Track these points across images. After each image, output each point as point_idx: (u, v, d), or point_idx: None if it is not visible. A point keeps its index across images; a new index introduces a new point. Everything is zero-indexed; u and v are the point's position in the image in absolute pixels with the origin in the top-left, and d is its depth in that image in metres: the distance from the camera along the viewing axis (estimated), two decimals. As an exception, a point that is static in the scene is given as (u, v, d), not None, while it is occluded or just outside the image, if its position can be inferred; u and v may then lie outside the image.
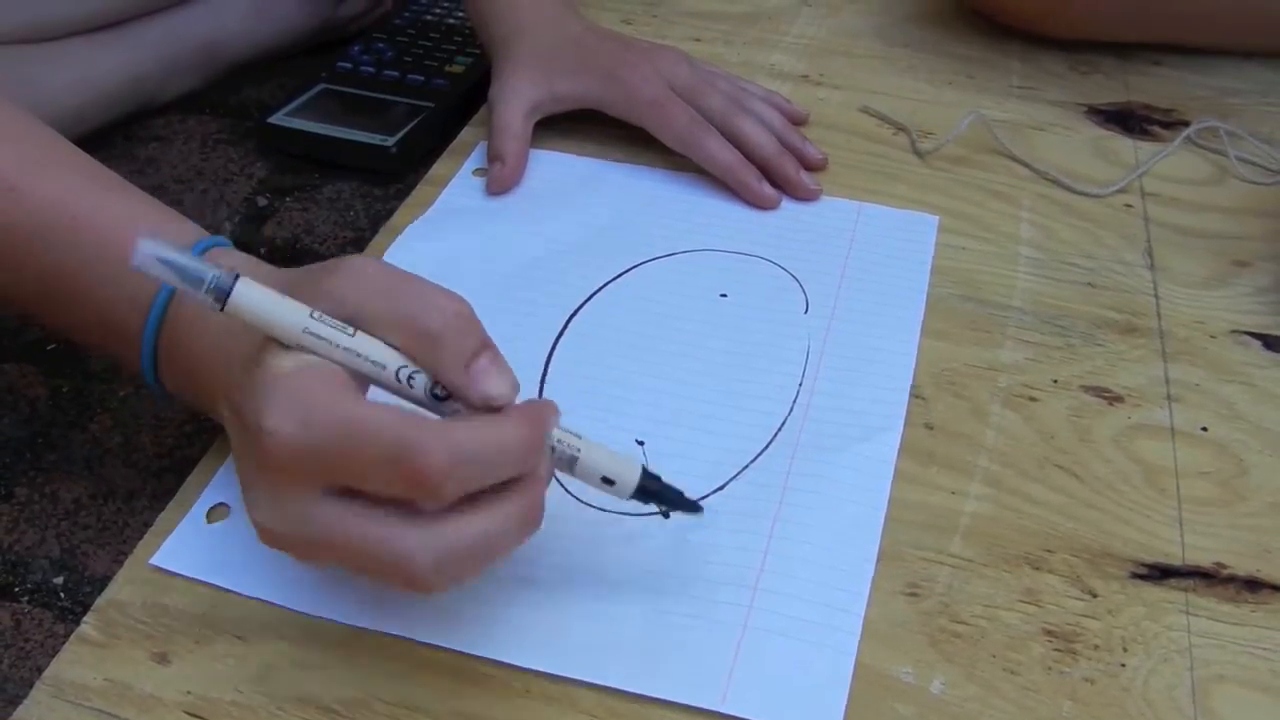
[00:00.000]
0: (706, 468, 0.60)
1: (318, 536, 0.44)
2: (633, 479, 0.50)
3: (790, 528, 0.57)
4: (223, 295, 0.44)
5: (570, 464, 0.48)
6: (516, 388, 0.46)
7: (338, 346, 0.45)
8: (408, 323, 0.45)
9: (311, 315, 0.45)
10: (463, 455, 0.42)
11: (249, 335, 0.46)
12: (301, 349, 0.44)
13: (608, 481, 0.49)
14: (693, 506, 0.52)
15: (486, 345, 0.46)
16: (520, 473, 0.45)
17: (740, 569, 0.55)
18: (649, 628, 0.52)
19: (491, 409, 0.46)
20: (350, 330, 0.45)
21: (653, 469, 0.51)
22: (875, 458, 0.61)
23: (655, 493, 0.51)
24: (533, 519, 0.46)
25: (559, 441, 0.48)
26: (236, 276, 0.44)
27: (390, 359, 0.45)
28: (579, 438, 0.49)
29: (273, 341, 0.45)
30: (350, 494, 0.43)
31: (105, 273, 0.53)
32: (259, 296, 0.44)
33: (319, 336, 0.44)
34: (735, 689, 0.50)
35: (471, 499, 0.44)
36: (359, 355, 0.45)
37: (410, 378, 0.46)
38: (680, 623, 0.53)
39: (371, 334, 0.45)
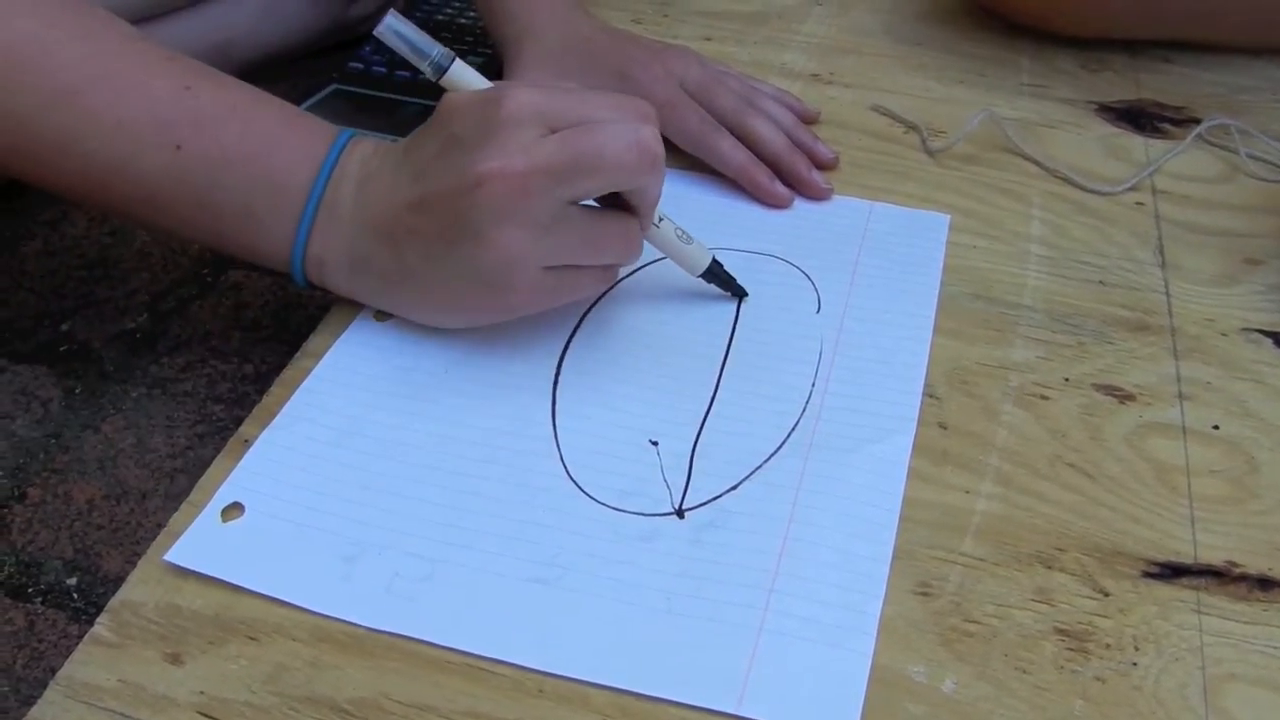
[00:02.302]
0: (720, 467, 0.60)
1: (547, 156, 0.57)
2: (706, 258, 0.68)
3: (805, 529, 0.57)
4: (440, 70, 0.59)
5: (666, 226, 0.67)
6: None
7: None
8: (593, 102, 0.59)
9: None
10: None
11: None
12: None
13: (685, 240, 0.67)
14: (742, 291, 0.70)
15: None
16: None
17: (755, 570, 0.55)
18: (663, 629, 0.52)
19: None
20: None
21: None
22: (889, 458, 0.61)
23: (718, 275, 0.69)
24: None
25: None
26: (455, 57, 0.60)
27: None
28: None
29: None
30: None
31: (275, 155, 0.63)
32: (470, 77, 0.60)
33: None
34: (751, 691, 0.50)
35: None
36: None
37: None
38: (695, 624, 0.53)
39: None
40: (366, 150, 0.64)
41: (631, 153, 0.57)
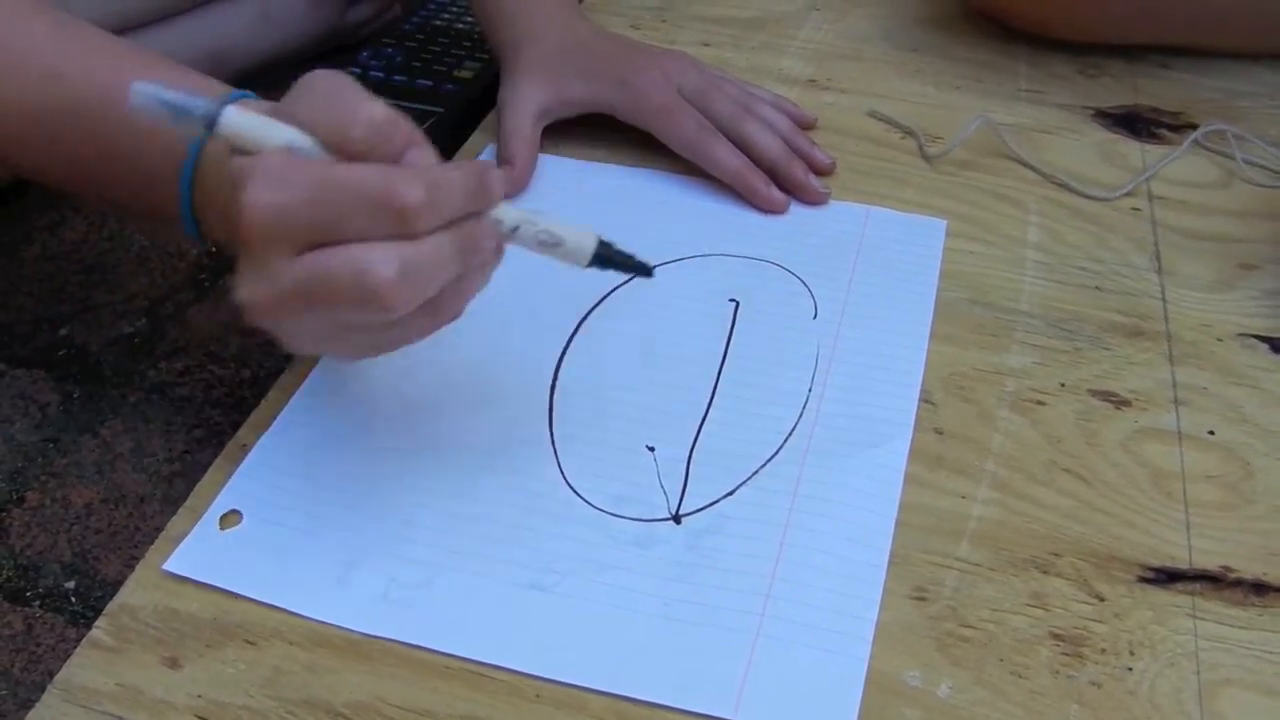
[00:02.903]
0: (716, 473, 0.60)
1: (292, 283, 0.48)
2: (590, 244, 0.55)
3: (802, 534, 0.57)
4: (211, 121, 0.49)
5: (525, 232, 0.53)
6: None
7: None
8: (340, 133, 0.49)
9: (299, 136, 0.49)
10: (434, 187, 0.47)
11: None
12: None
13: (553, 244, 0.54)
14: (645, 268, 0.57)
15: (412, 142, 0.50)
16: (470, 210, 0.50)
17: (752, 575, 0.55)
18: (660, 635, 0.53)
19: None
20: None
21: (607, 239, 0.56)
22: (885, 464, 0.61)
23: (609, 257, 0.55)
24: (473, 243, 0.50)
25: (509, 216, 0.53)
26: (225, 102, 0.49)
27: None
28: (536, 213, 0.54)
29: None
30: (328, 246, 0.48)
31: (143, 140, 0.57)
32: (249, 120, 0.49)
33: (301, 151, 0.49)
34: (748, 696, 0.50)
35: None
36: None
37: None
38: (692, 630, 0.53)
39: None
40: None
41: (388, 294, 0.47)
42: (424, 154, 0.51)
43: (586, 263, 0.55)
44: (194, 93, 0.49)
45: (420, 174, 0.48)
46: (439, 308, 0.51)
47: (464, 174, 0.50)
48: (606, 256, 0.55)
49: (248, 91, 0.57)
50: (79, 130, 0.58)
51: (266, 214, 0.47)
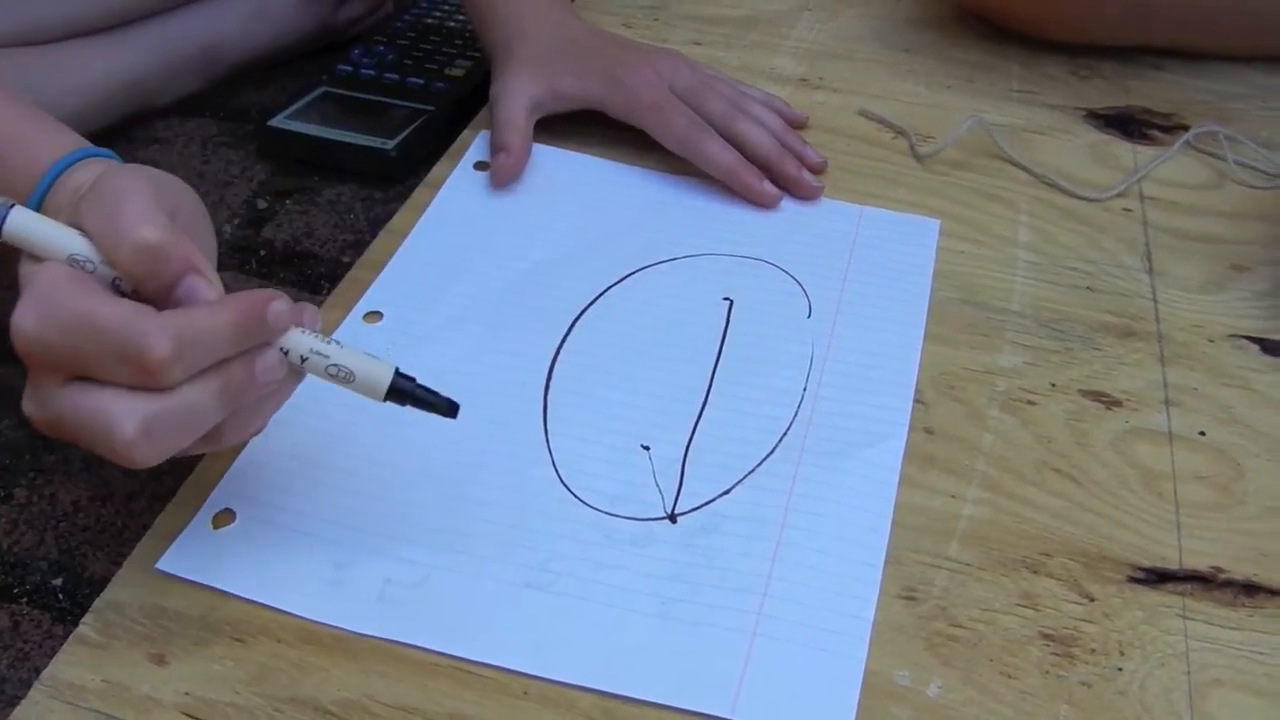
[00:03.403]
0: (712, 472, 0.60)
1: (53, 419, 0.47)
2: (385, 377, 0.50)
3: (797, 533, 0.57)
4: None
5: (314, 364, 0.50)
6: (213, 293, 0.48)
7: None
8: (112, 251, 0.48)
9: (84, 246, 0.48)
10: (185, 341, 0.45)
11: None
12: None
13: (344, 379, 0.50)
14: (449, 408, 0.52)
15: (188, 270, 0.48)
16: (240, 349, 0.48)
17: (748, 575, 0.55)
18: (657, 634, 0.53)
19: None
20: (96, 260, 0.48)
21: (406, 371, 0.51)
22: (880, 463, 0.61)
23: (408, 393, 0.51)
24: (233, 395, 0.48)
25: (298, 344, 0.50)
26: (12, 205, 0.48)
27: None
28: (331, 343, 0.50)
29: None
30: (90, 382, 0.46)
31: None
32: (34, 224, 0.48)
33: (80, 263, 0.48)
34: (745, 695, 0.50)
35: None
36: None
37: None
38: (688, 629, 0.53)
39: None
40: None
41: (128, 450, 0.46)
42: (199, 284, 0.48)
43: (382, 397, 0.51)
44: None
45: (174, 324, 0.45)
46: (218, 439, 0.50)
47: (232, 315, 0.47)
48: (404, 391, 0.51)
49: (106, 150, 0.56)
50: None
51: (28, 341, 0.46)
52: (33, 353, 0.46)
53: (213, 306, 0.47)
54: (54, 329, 0.45)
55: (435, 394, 0.52)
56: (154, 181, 0.50)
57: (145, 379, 0.46)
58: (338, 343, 0.50)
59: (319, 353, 0.50)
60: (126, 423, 0.46)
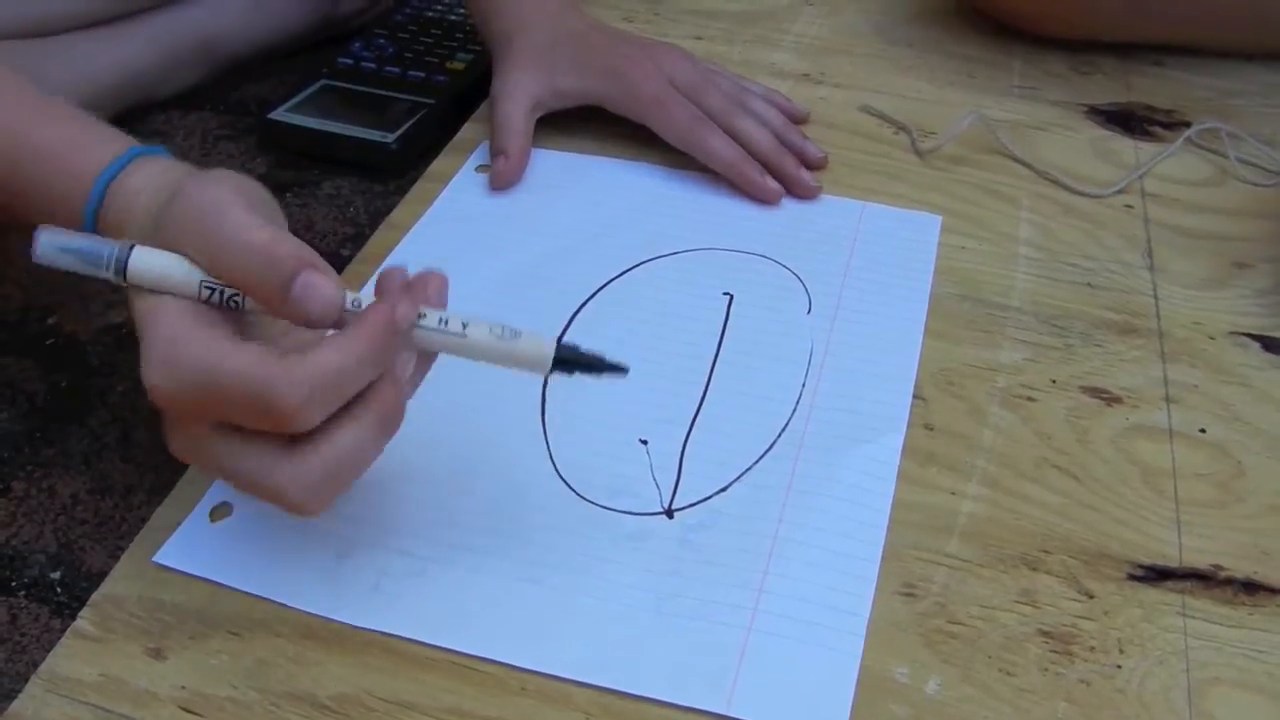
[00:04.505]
0: (709, 467, 0.60)
1: (210, 467, 0.49)
2: (548, 352, 0.50)
3: (794, 529, 0.57)
4: (121, 266, 0.47)
5: (459, 346, 0.50)
6: (337, 298, 0.48)
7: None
8: (228, 274, 0.47)
9: (204, 283, 0.47)
10: (316, 384, 0.45)
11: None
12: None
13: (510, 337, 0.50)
14: (618, 368, 0.52)
15: (302, 266, 0.47)
16: (375, 376, 0.48)
17: (745, 570, 0.55)
18: (652, 629, 0.52)
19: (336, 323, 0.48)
20: (236, 298, 0.48)
21: (567, 341, 0.51)
22: (879, 459, 0.60)
23: (574, 361, 0.51)
24: (391, 422, 0.49)
25: (444, 323, 0.50)
26: (133, 246, 0.47)
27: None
28: (468, 322, 0.50)
29: None
30: (233, 428, 0.47)
31: (46, 194, 0.54)
32: (157, 262, 0.47)
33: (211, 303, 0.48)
34: (740, 691, 0.50)
35: (334, 415, 0.47)
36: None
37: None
38: (684, 624, 0.53)
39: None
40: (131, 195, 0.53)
41: (303, 511, 0.48)
42: (315, 279, 0.47)
43: (545, 370, 0.51)
44: (99, 240, 0.48)
45: (303, 372, 0.45)
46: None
47: (363, 345, 0.47)
48: (570, 359, 0.51)
49: (156, 147, 0.55)
50: None
51: (161, 397, 0.47)
52: (169, 407, 0.48)
53: (339, 340, 0.47)
54: (184, 386, 0.46)
55: (600, 358, 0.52)
56: (237, 185, 0.50)
57: (282, 428, 0.46)
58: (461, 321, 0.50)
59: (454, 335, 0.50)
60: (289, 491, 0.47)
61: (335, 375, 0.46)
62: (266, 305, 0.48)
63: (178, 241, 0.48)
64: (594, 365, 0.51)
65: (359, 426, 0.48)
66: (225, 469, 0.48)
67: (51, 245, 0.47)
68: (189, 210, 0.48)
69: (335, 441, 0.47)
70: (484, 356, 0.50)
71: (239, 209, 0.48)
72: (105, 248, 0.47)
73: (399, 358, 0.50)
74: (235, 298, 0.48)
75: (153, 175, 0.53)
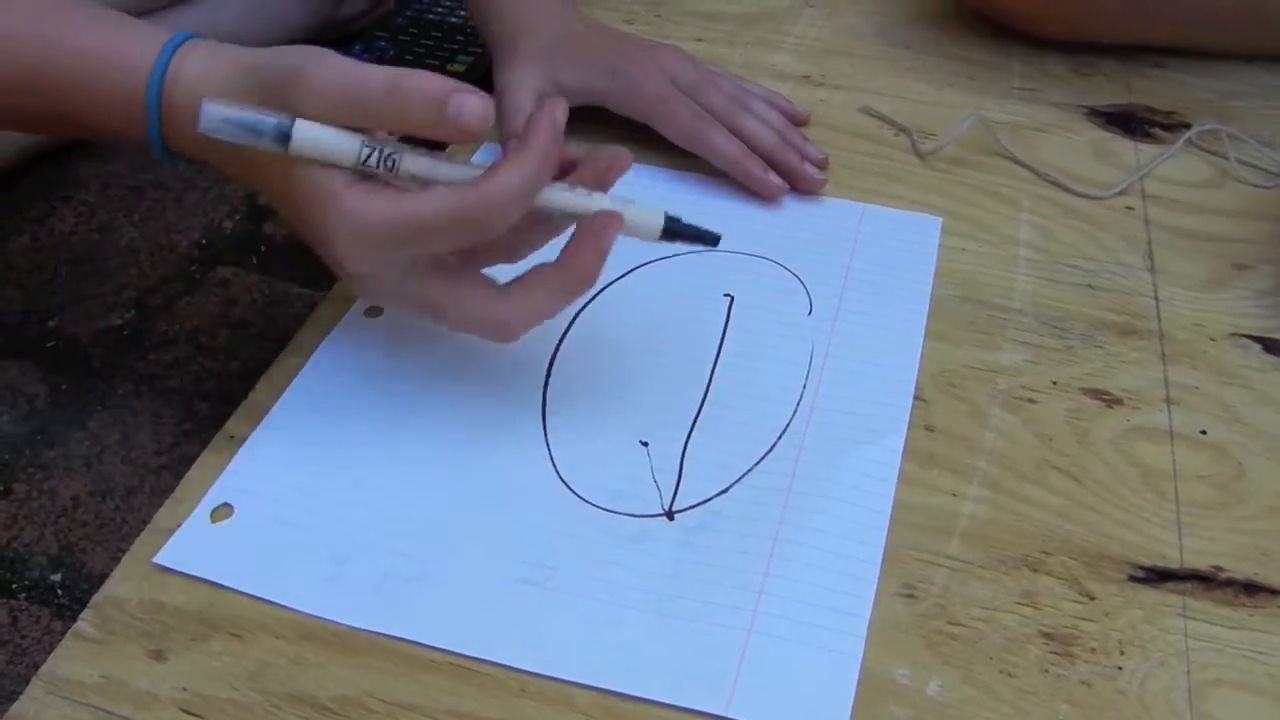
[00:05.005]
0: (710, 469, 0.60)
1: (423, 305, 0.56)
2: (658, 222, 0.58)
3: (795, 531, 0.57)
4: (284, 138, 0.51)
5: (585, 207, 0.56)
6: (487, 107, 0.52)
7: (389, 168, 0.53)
8: (387, 121, 0.54)
9: (363, 145, 0.52)
10: (506, 191, 0.52)
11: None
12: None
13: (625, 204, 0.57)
14: (712, 237, 0.60)
15: (446, 91, 0.51)
16: (550, 177, 0.55)
17: (745, 572, 0.55)
18: (653, 631, 0.53)
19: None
20: (394, 157, 0.53)
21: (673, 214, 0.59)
22: (880, 461, 0.60)
23: (678, 232, 0.59)
24: (584, 282, 0.56)
25: (574, 189, 0.57)
26: (294, 120, 0.51)
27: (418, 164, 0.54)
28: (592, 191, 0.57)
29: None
30: (436, 261, 0.55)
31: (103, 89, 0.57)
32: (316, 134, 0.51)
33: (371, 165, 0.52)
34: (740, 693, 0.50)
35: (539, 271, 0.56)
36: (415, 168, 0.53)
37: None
38: (684, 626, 0.53)
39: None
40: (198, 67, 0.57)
41: (512, 335, 0.57)
42: (465, 99, 0.51)
43: (658, 236, 0.58)
44: (262, 112, 0.51)
45: (491, 185, 0.52)
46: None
47: (532, 149, 0.53)
48: (675, 230, 0.59)
49: (190, 32, 0.58)
50: (34, 84, 0.58)
51: (359, 263, 0.54)
52: (375, 291, 0.56)
53: (515, 155, 0.53)
54: (384, 247, 0.53)
55: (698, 227, 0.60)
56: (327, 51, 0.53)
57: (484, 235, 0.53)
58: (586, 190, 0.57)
59: (581, 196, 0.57)
60: (517, 324, 0.57)
61: (521, 183, 0.53)
62: (429, 131, 0.52)
63: (325, 104, 0.51)
64: (698, 235, 0.60)
65: (555, 281, 0.56)
66: (444, 305, 0.56)
67: (215, 115, 0.51)
68: (331, 75, 0.52)
69: (533, 290, 0.56)
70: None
71: (354, 67, 0.52)
72: (269, 118, 0.51)
73: (601, 225, 0.56)
74: (392, 156, 0.52)
75: (204, 62, 0.56)
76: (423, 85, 0.51)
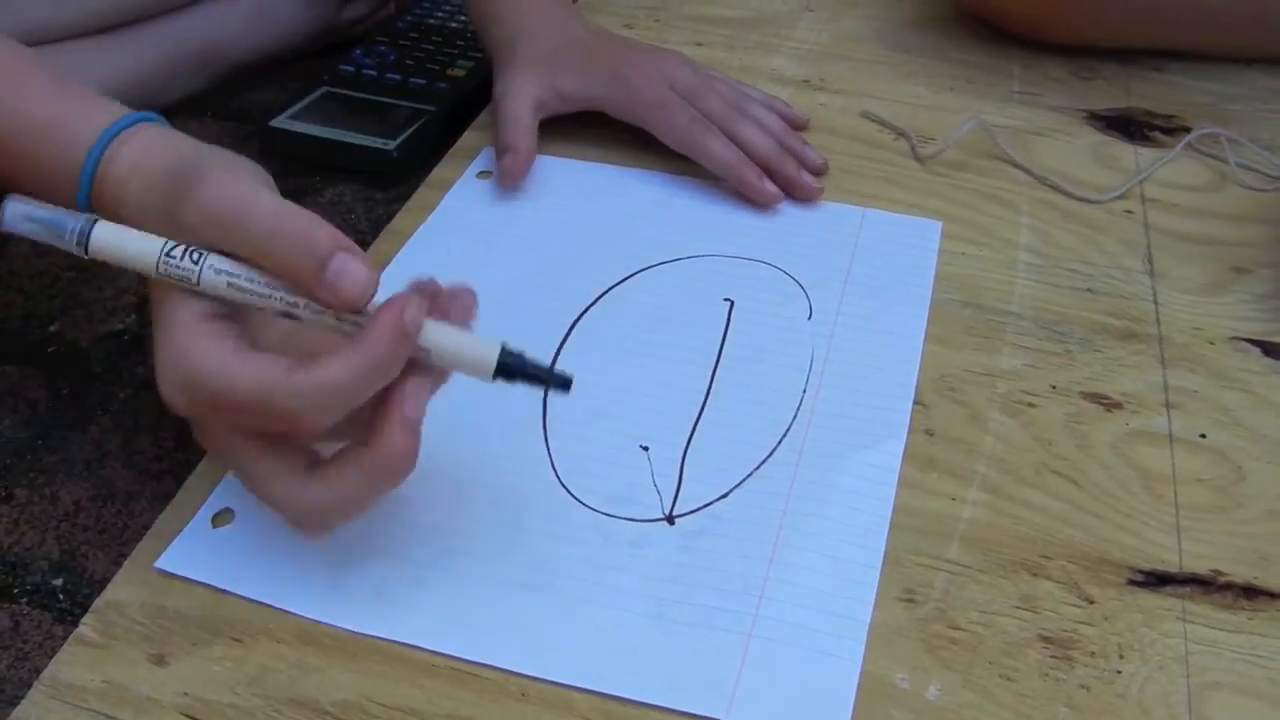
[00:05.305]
0: (710, 474, 0.60)
1: (238, 473, 0.51)
2: (491, 359, 0.50)
3: (795, 535, 0.57)
4: (84, 240, 0.48)
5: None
6: (371, 280, 0.48)
7: (192, 280, 0.48)
8: (263, 258, 0.48)
9: (163, 252, 0.48)
10: (323, 396, 0.47)
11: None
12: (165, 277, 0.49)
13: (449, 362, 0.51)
14: (562, 381, 0.52)
15: (331, 249, 0.47)
16: (386, 381, 0.48)
17: (745, 577, 0.55)
18: (653, 635, 0.53)
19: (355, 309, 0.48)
20: (196, 269, 0.48)
21: (514, 348, 0.51)
22: (880, 465, 0.61)
23: (519, 371, 0.51)
24: (396, 471, 0.49)
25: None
26: (95, 221, 0.48)
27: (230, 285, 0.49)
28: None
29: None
30: (254, 434, 0.49)
31: (39, 155, 0.54)
32: (114, 237, 0.49)
33: (174, 272, 0.48)
34: (740, 698, 0.50)
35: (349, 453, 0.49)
36: (221, 282, 0.48)
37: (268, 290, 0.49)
38: (685, 630, 0.53)
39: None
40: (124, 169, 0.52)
41: (303, 528, 0.52)
42: (348, 261, 0.48)
43: (491, 376, 0.51)
44: (64, 213, 0.49)
45: (311, 381, 0.46)
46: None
47: (368, 348, 0.47)
48: (513, 369, 0.51)
49: (154, 114, 0.55)
50: None
51: (180, 410, 0.49)
52: (192, 414, 0.50)
53: (348, 350, 0.47)
54: (196, 399, 0.48)
55: (547, 369, 0.52)
56: (254, 171, 0.51)
57: (295, 433, 0.49)
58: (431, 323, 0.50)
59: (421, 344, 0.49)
60: (290, 512, 0.50)
61: (343, 386, 0.47)
62: (301, 287, 0.48)
63: (203, 227, 0.48)
64: (538, 377, 0.51)
65: (364, 471, 0.49)
66: (250, 476, 0.50)
67: (17, 214, 0.48)
68: (217, 197, 0.48)
69: (343, 477, 0.49)
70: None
71: (267, 194, 0.49)
72: (70, 220, 0.48)
73: (419, 386, 0.50)
74: (196, 252, 0.48)
75: (146, 149, 0.52)
76: (307, 235, 0.47)
